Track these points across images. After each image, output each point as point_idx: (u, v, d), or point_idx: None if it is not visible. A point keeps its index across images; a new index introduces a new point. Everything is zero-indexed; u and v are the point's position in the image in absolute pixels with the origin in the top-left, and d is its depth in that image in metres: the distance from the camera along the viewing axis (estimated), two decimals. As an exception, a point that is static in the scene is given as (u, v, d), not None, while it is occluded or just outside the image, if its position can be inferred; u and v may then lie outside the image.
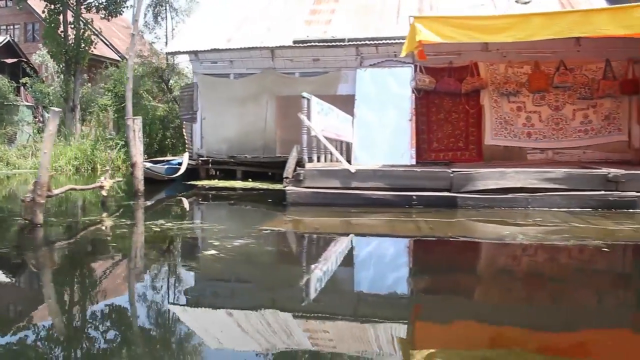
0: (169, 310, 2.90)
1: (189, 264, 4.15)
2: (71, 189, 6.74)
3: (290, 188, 6.93)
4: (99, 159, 15.62)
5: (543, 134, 10.40)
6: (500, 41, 7.78)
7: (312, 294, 3.22)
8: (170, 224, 5.71)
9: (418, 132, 10.52)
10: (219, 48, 11.06)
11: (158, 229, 5.30)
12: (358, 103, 10.42)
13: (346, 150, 9.76)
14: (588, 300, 3.18)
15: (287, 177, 7.14)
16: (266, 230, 5.16)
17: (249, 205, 8.28)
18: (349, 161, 9.93)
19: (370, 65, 10.74)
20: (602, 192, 6.33)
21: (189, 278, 3.72)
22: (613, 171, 6.52)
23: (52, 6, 17.57)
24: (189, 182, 10.88)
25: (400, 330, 2.67)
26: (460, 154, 10.53)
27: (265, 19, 11.83)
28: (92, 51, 18.70)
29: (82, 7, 18.33)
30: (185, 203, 8.76)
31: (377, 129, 10.26)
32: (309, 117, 7.19)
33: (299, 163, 7.29)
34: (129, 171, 9.67)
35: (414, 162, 10.10)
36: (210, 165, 11.50)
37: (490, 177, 6.61)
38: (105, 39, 26.72)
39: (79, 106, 18.79)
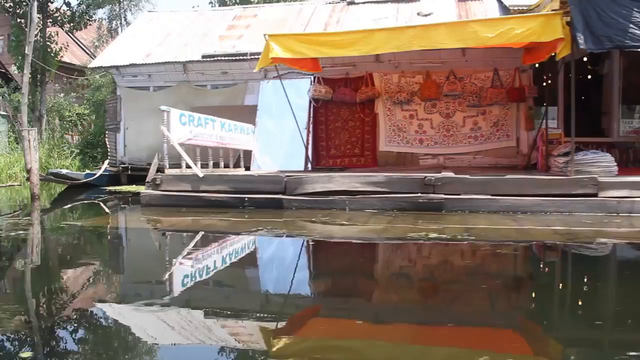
0: None
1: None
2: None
3: (145, 191, 7.67)
4: (52, 166, 16.50)
5: (435, 141, 10.96)
6: (347, 55, 8.42)
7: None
8: (9, 220, 6.55)
9: (317, 139, 11.19)
10: (137, 63, 11.87)
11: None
12: (260, 113, 11.16)
13: (244, 157, 10.44)
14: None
15: (148, 182, 7.88)
16: (65, 225, 5.96)
17: (125, 205, 9.03)
18: (248, 167, 10.68)
19: (274, 77, 11.41)
20: (413, 195, 6.89)
21: None
22: (429, 175, 7.08)
23: (17, 19, 18.67)
24: (109, 188, 11.70)
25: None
26: (356, 159, 11.14)
27: (185, 35, 12.62)
28: (60, 58, 19.76)
29: (48, 20, 19.40)
30: (78, 205, 9.51)
31: (276, 136, 10.97)
32: (169, 128, 7.92)
33: (161, 169, 8.03)
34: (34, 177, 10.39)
35: (309, 167, 10.76)
36: (129, 172, 12.30)
37: (318, 181, 7.24)
38: (85, 47, 27.90)
39: (45, 115, 19.82)
